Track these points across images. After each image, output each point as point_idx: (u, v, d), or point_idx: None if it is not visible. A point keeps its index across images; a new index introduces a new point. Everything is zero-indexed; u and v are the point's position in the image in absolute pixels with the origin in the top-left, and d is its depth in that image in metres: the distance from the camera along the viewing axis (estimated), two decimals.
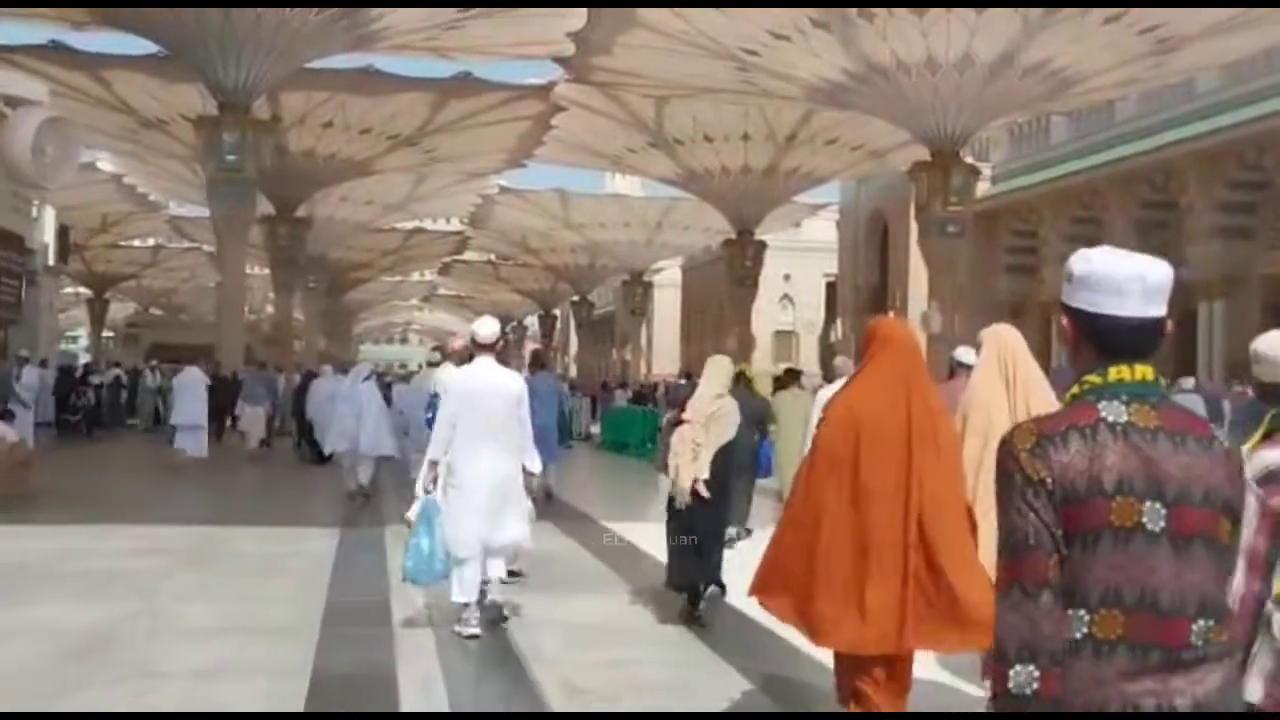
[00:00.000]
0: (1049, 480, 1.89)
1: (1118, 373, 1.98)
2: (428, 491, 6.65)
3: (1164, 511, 1.88)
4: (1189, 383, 16.97)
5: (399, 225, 46.73)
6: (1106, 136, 32.30)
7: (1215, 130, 27.86)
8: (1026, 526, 1.91)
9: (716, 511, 6.66)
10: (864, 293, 46.69)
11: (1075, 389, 2.01)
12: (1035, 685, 1.86)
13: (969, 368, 6.61)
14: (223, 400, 18.74)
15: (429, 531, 6.45)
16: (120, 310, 58.61)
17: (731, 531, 8.71)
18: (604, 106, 27.79)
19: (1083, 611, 1.89)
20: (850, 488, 4.44)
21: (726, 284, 36.15)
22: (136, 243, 51.28)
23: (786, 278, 53.60)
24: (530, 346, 64.26)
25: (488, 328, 7.18)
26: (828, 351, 56.17)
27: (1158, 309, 2.01)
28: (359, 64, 25.84)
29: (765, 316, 51.74)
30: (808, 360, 55.81)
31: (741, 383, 9.83)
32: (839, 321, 49.03)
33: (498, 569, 6.81)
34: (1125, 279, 2.01)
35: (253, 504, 13.74)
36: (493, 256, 54.82)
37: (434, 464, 6.69)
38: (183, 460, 16.54)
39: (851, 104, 23.58)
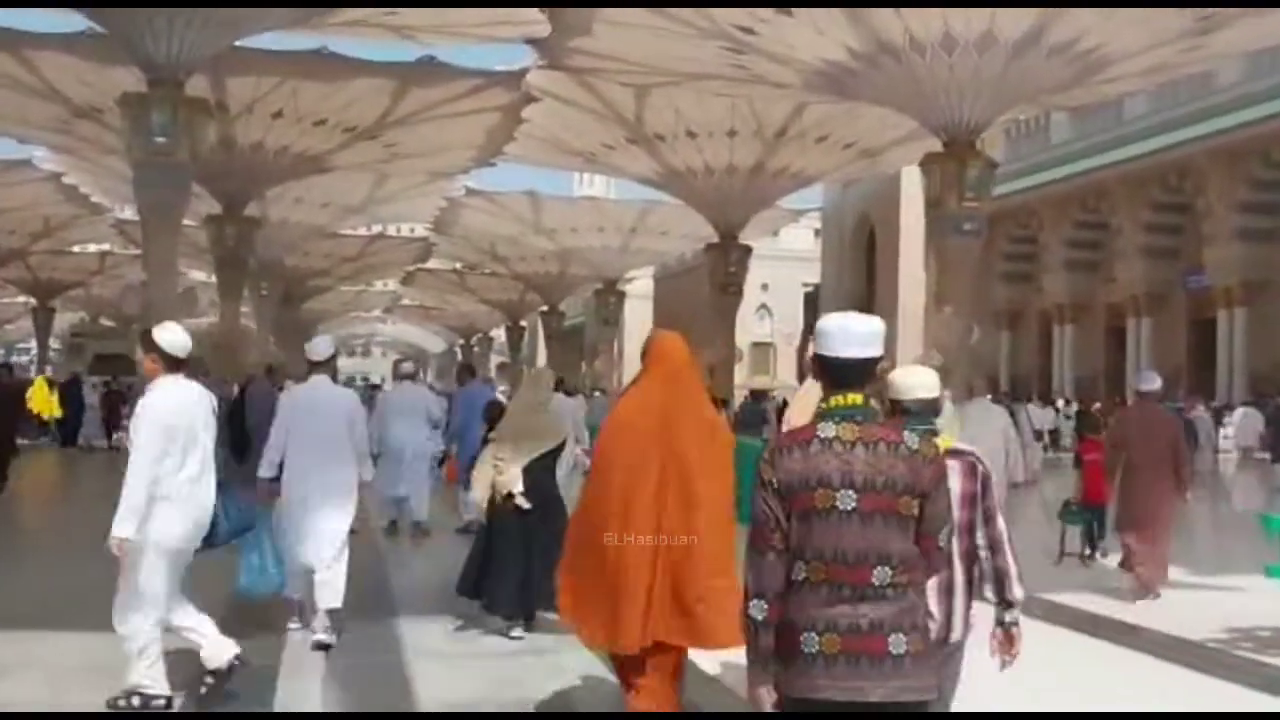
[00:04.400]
0: (774, 481, 2.93)
1: (836, 400, 2.98)
2: (264, 506, 6.79)
3: (854, 495, 2.87)
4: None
5: (359, 231, 44.52)
6: (1114, 135, 30.50)
7: (1238, 126, 26.11)
8: (760, 510, 2.96)
9: (546, 527, 6.46)
10: (849, 300, 44.90)
11: (817, 413, 3.01)
12: (764, 614, 2.94)
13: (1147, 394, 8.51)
14: None
15: (256, 545, 6.56)
16: (70, 320, 56.43)
17: None
18: (580, 97, 25.63)
19: (800, 563, 2.92)
20: (615, 496, 4.75)
21: (706, 292, 34.12)
22: (79, 249, 48.79)
23: (764, 287, 51.73)
24: (497, 360, 62.04)
25: (321, 346, 7.41)
26: (808, 365, 54.25)
27: (866, 352, 3.00)
28: (311, 45, 23.43)
29: (742, 327, 49.74)
30: (786, 373, 53.90)
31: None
32: None
33: (331, 599, 6.86)
34: (839, 330, 3.03)
35: None
36: (459, 265, 52.62)
37: (265, 480, 6.96)
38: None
39: (855, 91, 21.48)
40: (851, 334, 3.02)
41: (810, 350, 3.07)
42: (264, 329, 39.81)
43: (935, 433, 3.67)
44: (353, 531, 7.46)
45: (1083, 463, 10.84)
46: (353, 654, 6.77)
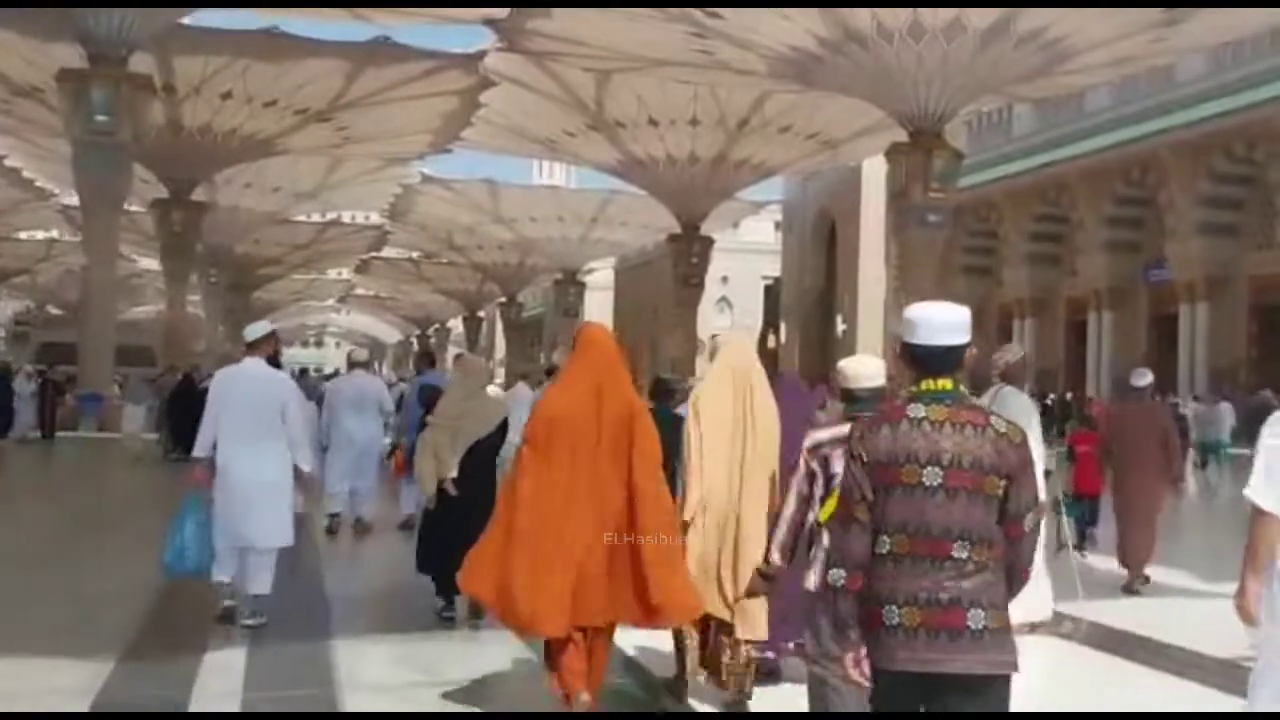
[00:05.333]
0: (864, 455, 2.99)
1: (926, 385, 3.05)
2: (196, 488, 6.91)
3: (940, 472, 2.94)
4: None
5: (311, 217, 43.68)
6: (1076, 128, 30.33)
7: (1201, 120, 25.98)
8: (847, 483, 3.05)
9: (482, 512, 5.99)
10: (810, 295, 44.59)
11: (902, 394, 3.12)
12: (843, 582, 3.00)
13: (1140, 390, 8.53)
14: None
15: (181, 528, 6.76)
16: (15, 308, 55.09)
17: None
18: (539, 82, 25.06)
19: (884, 536, 2.96)
20: (542, 480, 4.78)
21: (667, 284, 33.71)
22: (25, 235, 47.59)
23: (724, 279, 51.28)
24: (454, 351, 61.23)
25: (255, 328, 7.36)
26: (767, 357, 54.13)
27: (954, 339, 3.06)
28: (262, 24, 22.69)
29: (702, 319, 49.39)
30: None
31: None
32: (782, 325, 46.88)
33: (259, 585, 6.92)
34: (929, 320, 3.06)
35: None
36: (415, 254, 51.84)
37: (198, 460, 6.93)
38: None
39: (821, 79, 21.10)
40: (941, 323, 3.12)
41: (896, 341, 3.24)
42: (213, 318, 38.91)
43: None
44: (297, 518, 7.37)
45: (1075, 454, 10.73)
46: (275, 644, 6.51)
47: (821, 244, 44.76)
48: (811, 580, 3.99)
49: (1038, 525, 3.17)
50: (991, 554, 2.99)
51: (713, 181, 29.79)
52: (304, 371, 32.93)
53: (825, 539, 3.78)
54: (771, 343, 51.49)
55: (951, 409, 3.02)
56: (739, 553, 5.01)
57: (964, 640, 2.92)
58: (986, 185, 32.25)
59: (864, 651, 3.00)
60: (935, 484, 2.95)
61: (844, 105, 23.82)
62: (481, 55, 23.49)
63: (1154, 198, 29.06)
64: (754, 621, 5.02)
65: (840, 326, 41.30)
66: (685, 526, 5.03)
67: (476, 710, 5.41)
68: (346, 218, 49.65)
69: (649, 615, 4.77)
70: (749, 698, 5.12)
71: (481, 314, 59.62)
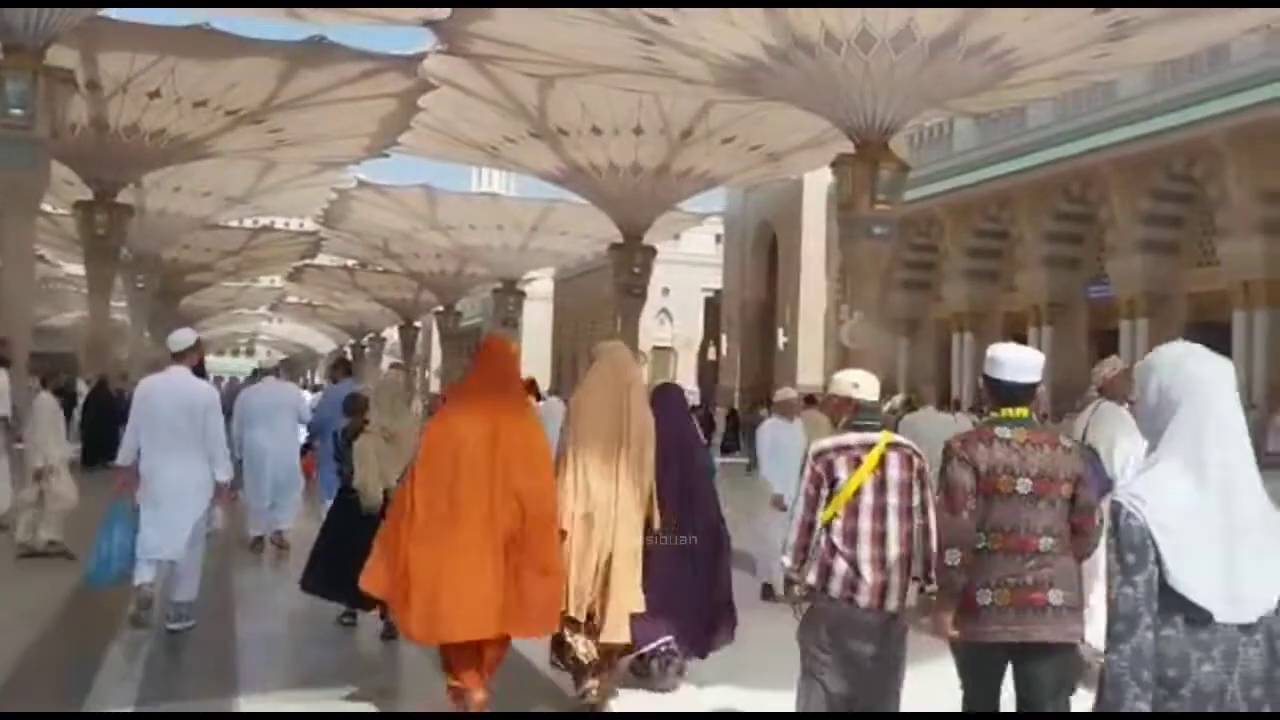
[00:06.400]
0: (969, 460, 3.75)
1: (1008, 413, 3.85)
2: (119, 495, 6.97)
3: (1029, 483, 3.71)
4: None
5: (243, 223, 42.61)
6: (1018, 143, 30.43)
7: (1141, 136, 26.13)
8: (955, 479, 3.74)
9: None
10: (751, 307, 44.40)
11: (986, 420, 4.02)
12: (957, 560, 3.72)
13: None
14: None
15: (109, 535, 6.82)
16: None
17: None
18: (480, 87, 24.51)
19: (983, 534, 3.72)
20: (438, 493, 4.95)
21: (608, 294, 33.23)
22: None
23: (665, 291, 50.95)
24: (389, 361, 60.20)
25: (180, 337, 7.44)
26: (708, 368, 53.91)
27: (1032, 378, 3.92)
28: (192, 20, 21.85)
29: (642, 331, 49.18)
30: (686, 377, 53.30)
31: None
32: (723, 337, 46.66)
33: (184, 591, 6.96)
34: (1014, 361, 3.91)
35: None
36: (349, 261, 50.82)
37: (120, 469, 7.07)
38: None
39: (767, 88, 20.80)
40: (1023, 365, 3.90)
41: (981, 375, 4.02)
42: (139, 324, 37.70)
43: (877, 429, 4.35)
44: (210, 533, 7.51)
45: None
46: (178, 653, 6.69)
47: (763, 256, 44.64)
48: (811, 577, 4.19)
49: (1100, 515, 3.75)
50: (1064, 545, 3.79)
51: (655, 191, 29.42)
52: (218, 380, 31.96)
53: (824, 540, 4.19)
54: (712, 355, 51.26)
55: (1030, 431, 3.84)
56: (614, 560, 5.20)
57: (1046, 614, 3.71)
58: (928, 200, 32.20)
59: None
60: (1026, 491, 3.74)
61: (788, 117, 23.59)
62: (421, 57, 22.86)
63: (1095, 214, 29.21)
64: (617, 626, 5.27)
65: (781, 339, 41.15)
66: (563, 535, 5.18)
67: (374, 710, 5.55)
68: (280, 224, 48.57)
69: (524, 624, 5.01)
70: (605, 697, 5.37)
71: (418, 323, 58.68)
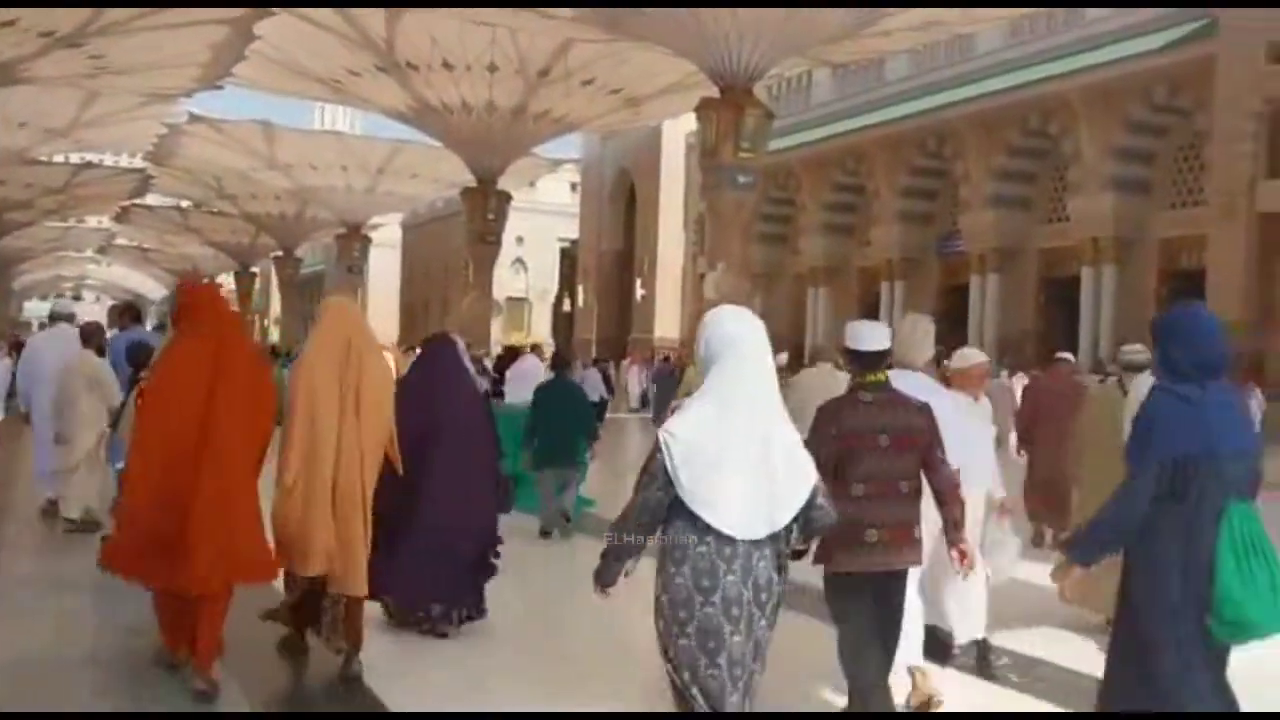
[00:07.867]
0: (832, 428, 4.40)
1: (870, 378, 4.51)
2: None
3: (888, 438, 4.42)
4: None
5: (65, 158, 39.62)
6: (875, 97, 30.34)
7: (998, 91, 26.23)
8: (818, 448, 3.93)
9: None
10: (608, 258, 43.69)
11: (853, 382, 4.60)
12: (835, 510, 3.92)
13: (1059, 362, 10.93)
14: None
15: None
16: None
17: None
18: (322, 16, 22.91)
19: (857, 483, 4.36)
20: (164, 444, 5.00)
21: (460, 242, 32.02)
22: None
23: (520, 240, 49.92)
24: None
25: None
26: (563, 320, 53.04)
27: (883, 345, 4.58)
28: None
29: (496, 281, 48.20)
30: (541, 329, 52.42)
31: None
32: (579, 288, 45.85)
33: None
34: (868, 332, 4.62)
35: None
36: (182, 202, 48.00)
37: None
38: None
39: (631, 28, 19.95)
40: (876, 336, 4.61)
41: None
42: None
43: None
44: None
45: None
46: None
47: (620, 205, 43.94)
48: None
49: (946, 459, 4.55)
50: (917, 486, 4.53)
51: (510, 133, 28.27)
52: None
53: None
54: (568, 306, 50.46)
55: (888, 393, 4.54)
56: (339, 514, 5.19)
57: (913, 546, 4.51)
58: (786, 152, 31.93)
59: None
60: (885, 445, 4.44)
61: (649, 60, 22.80)
62: None
63: (950, 169, 29.37)
64: (352, 579, 5.27)
65: (639, 290, 40.61)
66: (288, 492, 5.21)
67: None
68: (108, 161, 45.51)
69: (230, 573, 4.93)
70: (355, 654, 5.31)
71: (255, 269, 56.03)
